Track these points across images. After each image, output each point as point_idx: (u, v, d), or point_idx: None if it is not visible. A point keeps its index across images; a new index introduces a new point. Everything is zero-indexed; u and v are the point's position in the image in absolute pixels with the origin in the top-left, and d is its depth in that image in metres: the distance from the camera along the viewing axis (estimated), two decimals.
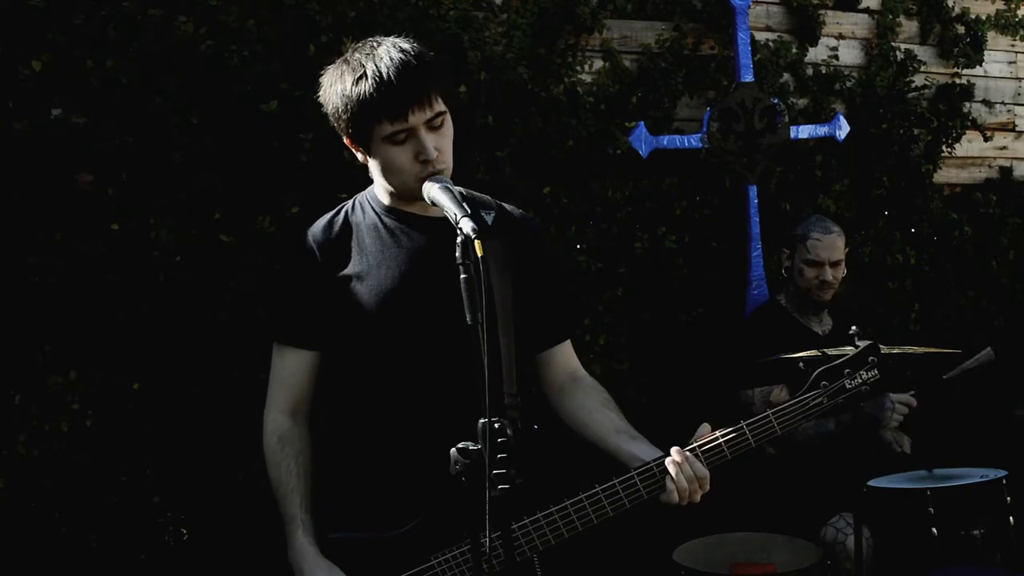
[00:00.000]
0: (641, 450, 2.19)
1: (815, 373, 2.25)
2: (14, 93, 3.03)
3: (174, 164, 3.19)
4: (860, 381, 2.25)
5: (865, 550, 3.04)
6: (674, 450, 2.15)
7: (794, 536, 3.16)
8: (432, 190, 1.99)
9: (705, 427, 2.21)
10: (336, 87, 2.09)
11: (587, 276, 3.85)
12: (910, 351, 3.10)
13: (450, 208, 1.89)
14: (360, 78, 2.04)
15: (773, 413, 2.20)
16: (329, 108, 2.13)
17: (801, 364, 2.43)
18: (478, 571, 1.79)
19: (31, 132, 3.04)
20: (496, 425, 1.74)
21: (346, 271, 2.18)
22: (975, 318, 4.71)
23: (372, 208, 2.24)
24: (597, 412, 2.30)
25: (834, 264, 3.61)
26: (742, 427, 2.19)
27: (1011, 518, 3.14)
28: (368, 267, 2.18)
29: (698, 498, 2.15)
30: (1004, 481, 3.17)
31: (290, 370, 2.22)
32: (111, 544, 3.16)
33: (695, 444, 2.17)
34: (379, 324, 2.16)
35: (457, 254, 1.77)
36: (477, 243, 1.77)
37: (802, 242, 3.63)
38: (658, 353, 3.99)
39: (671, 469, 2.12)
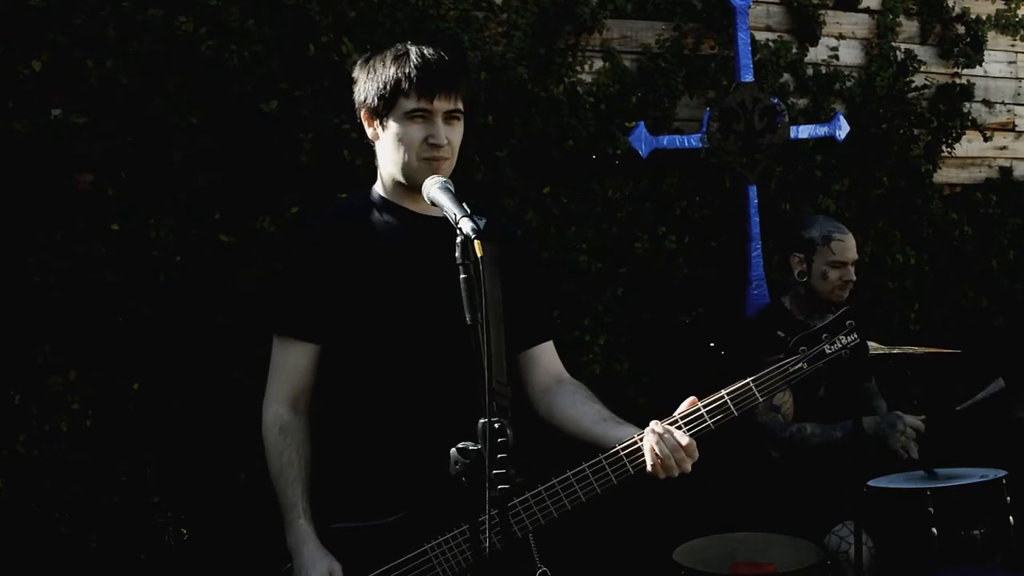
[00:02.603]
0: (628, 434, 2.21)
1: (793, 340, 2.24)
2: (14, 93, 3.03)
3: (174, 164, 3.19)
4: (840, 345, 2.24)
5: (867, 558, 3.04)
6: (653, 423, 2.18)
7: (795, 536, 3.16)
8: (432, 190, 2.02)
9: (691, 400, 2.22)
10: (377, 64, 2.25)
11: (587, 276, 3.85)
12: (910, 351, 3.10)
13: (449, 208, 1.92)
14: (403, 55, 2.23)
15: (753, 380, 2.20)
16: (364, 84, 2.26)
17: (779, 332, 2.42)
18: (479, 558, 1.80)
19: (31, 132, 3.04)
20: (496, 425, 1.75)
21: (345, 265, 2.23)
22: (975, 318, 4.71)
23: (372, 204, 2.31)
24: (582, 404, 2.33)
25: (854, 263, 3.60)
26: (723, 396, 2.20)
27: (1011, 518, 3.14)
28: (366, 262, 2.23)
29: (688, 467, 2.14)
30: (1004, 481, 3.17)
31: (291, 362, 2.26)
32: (111, 544, 3.17)
33: (677, 415, 2.19)
34: (376, 319, 2.21)
35: (457, 254, 1.80)
36: (477, 243, 1.79)
37: (825, 244, 3.57)
38: (658, 353, 3.99)
39: (651, 439, 2.14)
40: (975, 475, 3.25)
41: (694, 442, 2.15)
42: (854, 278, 3.59)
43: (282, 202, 3.29)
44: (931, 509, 3.08)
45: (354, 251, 2.24)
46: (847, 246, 3.58)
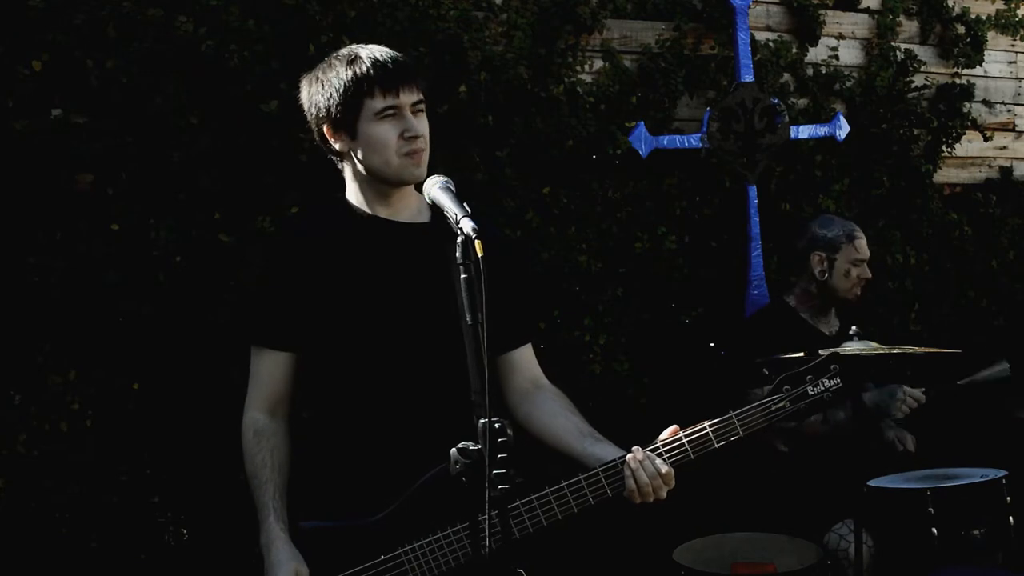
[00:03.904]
0: (607, 452, 2.23)
1: (778, 378, 2.30)
2: (14, 93, 3.03)
3: (174, 164, 3.19)
4: (822, 388, 2.30)
5: (867, 556, 3.04)
6: (635, 448, 2.20)
7: (795, 536, 3.16)
8: (433, 189, 2.03)
9: (673, 428, 2.25)
10: (327, 75, 2.20)
11: (587, 276, 3.85)
12: (910, 351, 3.10)
13: (450, 208, 1.93)
14: (354, 60, 2.18)
15: (736, 415, 2.25)
16: (317, 98, 2.21)
17: (765, 370, 2.47)
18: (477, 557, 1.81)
19: (31, 132, 3.04)
20: (496, 425, 1.75)
21: (319, 275, 2.23)
22: (975, 318, 4.71)
23: (344, 213, 2.29)
24: (561, 416, 2.33)
25: (869, 262, 3.68)
26: (705, 428, 2.24)
27: (1011, 518, 3.14)
28: (340, 271, 2.23)
29: (663, 495, 2.18)
30: (1004, 481, 3.17)
31: (268, 371, 2.28)
32: (111, 544, 3.16)
33: (659, 443, 2.22)
34: (352, 327, 2.21)
35: (457, 254, 1.82)
36: (478, 243, 1.79)
37: (850, 242, 3.63)
38: (658, 353, 3.99)
39: (631, 465, 2.16)
40: (975, 475, 3.25)
41: (672, 471, 2.18)
42: (870, 275, 3.67)
43: (282, 202, 3.29)
44: (931, 509, 3.08)
45: (330, 261, 2.23)
46: (865, 244, 3.68)
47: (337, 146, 2.24)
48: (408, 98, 2.18)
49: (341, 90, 2.17)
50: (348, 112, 2.18)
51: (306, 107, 2.25)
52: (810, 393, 2.29)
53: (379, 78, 2.15)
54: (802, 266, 3.69)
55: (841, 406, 3.39)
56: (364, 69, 2.16)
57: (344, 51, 2.23)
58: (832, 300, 3.65)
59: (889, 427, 3.57)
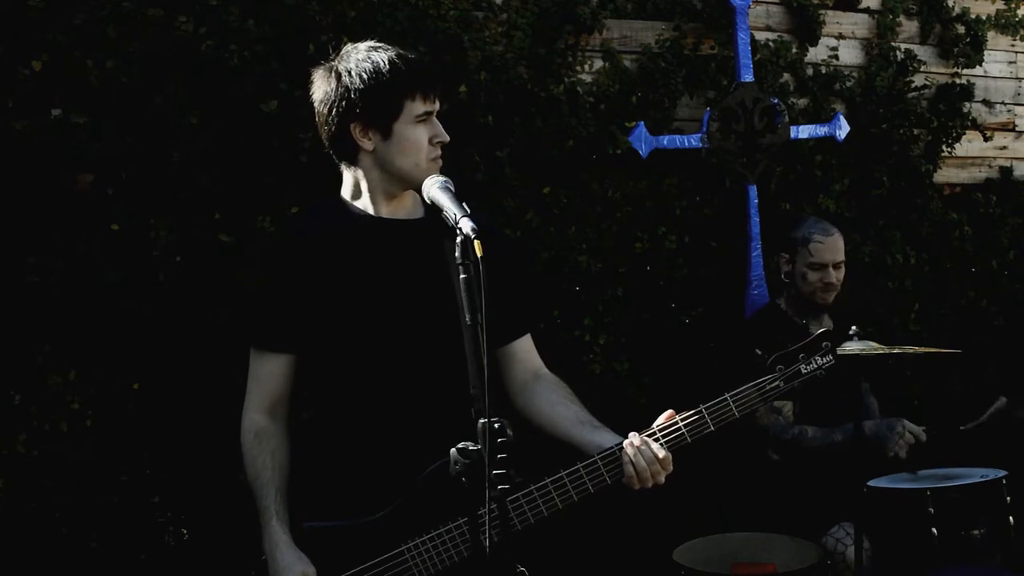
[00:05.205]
0: (605, 439, 2.24)
1: (771, 359, 2.30)
2: (14, 93, 3.03)
3: (174, 164, 3.19)
4: (815, 366, 2.30)
5: (865, 560, 3.04)
6: (632, 434, 2.20)
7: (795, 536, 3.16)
8: (432, 189, 2.03)
9: (668, 412, 2.25)
10: (360, 70, 2.14)
11: (587, 276, 3.85)
12: (910, 351, 3.10)
13: (449, 208, 1.94)
14: (395, 59, 2.15)
15: (731, 396, 2.25)
16: (346, 93, 2.15)
17: (758, 351, 2.47)
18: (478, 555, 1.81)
19: (31, 132, 3.04)
20: (496, 425, 1.75)
21: (320, 275, 2.22)
22: (975, 318, 4.71)
23: (343, 212, 2.29)
24: (561, 405, 2.34)
25: (836, 265, 3.58)
26: (701, 411, 2.24)
27: (1011, 518, 3.14)
28: (341, 271, 2.23)
29: (662, 480, 2.19)
30: (1004, 481, 3.17)
31: (267, 372, 2.28)
32: (111, 544, 3.17)
33: (655, 428, 2.22)
34: (353, 326, 2.21)
35: (457, 254, 1.82)
36: (477, 243, 1.80)
37: (804, 246, 3.59)
38: (658, 353, 3.99)
39: (629, 451, 2.17)
40: (975, 475, 3.25)
41: (670, 455, 2.18)
42: (833, 280, 3.57)
43: (282, 202, 3.30)
44: (931, 509, 3.08)
45: (330, 261, 2.22)
46: (826, 248, 3.57)
47: (364, 144, 2.19)
48: (437, 105, 2.21)
49: (384, 89, 2.14)
50: (388, 112, 2.16)
51: (326, 102, 2.19)
52: (803, 371, 2.29)
53: (423, 82, 2.16)
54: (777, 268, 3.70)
55: (837, 429, 3.39)
56: (408, 71, 2.15)
57: (369, 49, 2.18)
58: (808, 303, 3.62)
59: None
